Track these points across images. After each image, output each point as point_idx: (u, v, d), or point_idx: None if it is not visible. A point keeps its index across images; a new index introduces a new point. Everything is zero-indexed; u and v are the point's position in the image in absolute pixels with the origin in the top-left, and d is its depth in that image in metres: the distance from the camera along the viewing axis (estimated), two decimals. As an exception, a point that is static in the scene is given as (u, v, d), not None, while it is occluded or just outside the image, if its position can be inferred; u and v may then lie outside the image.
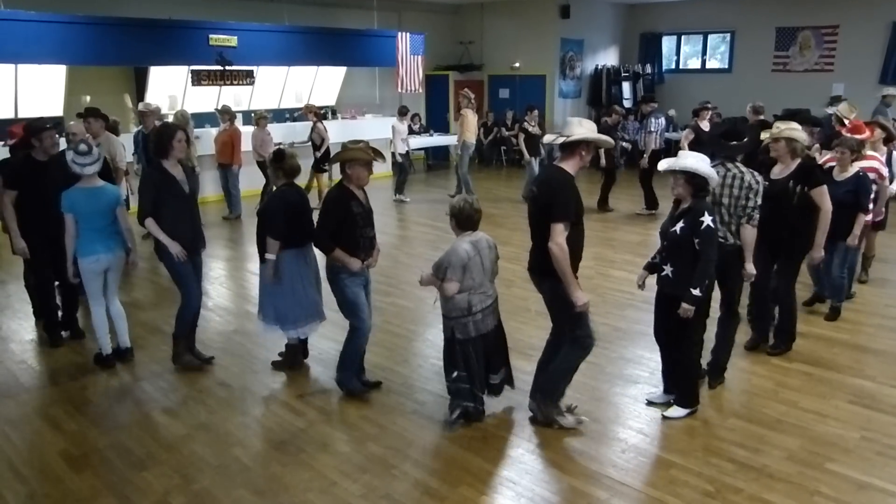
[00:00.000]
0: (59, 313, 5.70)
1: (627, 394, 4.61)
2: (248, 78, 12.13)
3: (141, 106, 8.88)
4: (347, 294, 4.40)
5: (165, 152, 4.74)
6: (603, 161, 10.37)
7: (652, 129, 10.31)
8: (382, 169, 11.43)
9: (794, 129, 4.93)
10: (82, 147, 4.81)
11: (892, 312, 6.18)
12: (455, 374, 4.13)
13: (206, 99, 11.99)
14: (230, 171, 9.98)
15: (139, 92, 11.51)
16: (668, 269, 4.18)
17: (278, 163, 4.82)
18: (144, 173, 4.95)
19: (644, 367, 5.01)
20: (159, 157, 4.78)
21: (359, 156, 4.28)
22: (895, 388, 4.70)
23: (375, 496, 3.56)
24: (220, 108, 10.51)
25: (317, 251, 4.61)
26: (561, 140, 3.87)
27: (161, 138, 4.77)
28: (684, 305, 4.02)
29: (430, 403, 4.52)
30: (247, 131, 10.62)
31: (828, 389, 4.70)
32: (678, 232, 4.06)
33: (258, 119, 10.48)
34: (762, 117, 9.23)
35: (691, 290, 3.99)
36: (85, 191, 4.83)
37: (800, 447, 3.97)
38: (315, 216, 4.63)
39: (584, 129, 3.89)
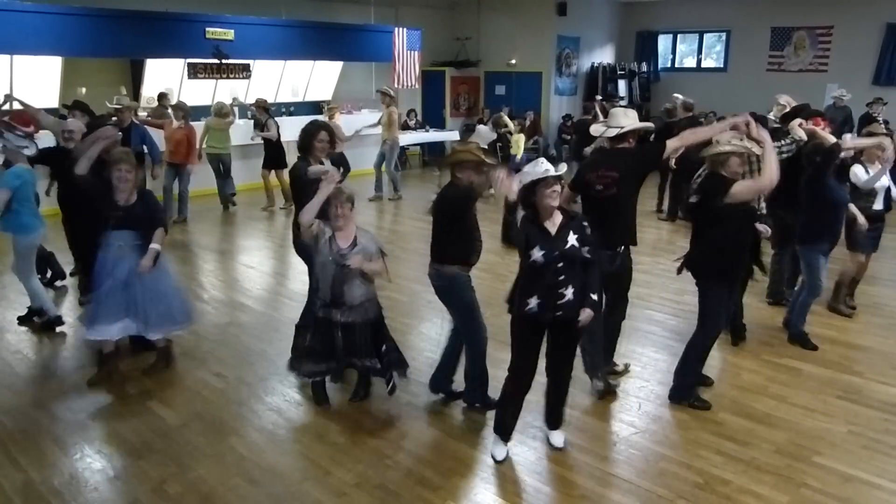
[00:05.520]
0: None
1: (619, 388, 4.65)
2: (244, 72, 12.11)
3: (115, 101, 8.27)
4: (466, 300, 4.17)
5: (309, 149, 4.74)
6: None
7: None
8: (367, 165, 11.47)
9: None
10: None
11: (881, 310, 6.25)
12: (385, 347, 4.35)
13: (202, 92, 11.96)
14: (183, 170, 9.29)
15: (135, 84, 11.48)
16: (569, 293, 3.54)
17: None
18: (300, 172, 4.74)
19: (636, 362, 5.06)
20: (303, 153, 4.78)
21: (469, 157, 4.07)
22: (882, 383, 4.77)
23: (370, 486, 3.60)
24: (175, 103, 10.01)
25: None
26: (614, 132, 4.25)
27: (306, 136, 4.77)
28: (587, 311, 3.57)
29: (423, 395, 4.55)
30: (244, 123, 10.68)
31: (816, 385, 4.76)
32: (576, 245, 3.54)
33: (330, 110, 10.89)
34: (692, 114, 9.61)
35: (592, 295, 3.62)
36: (31, 172, 5.42)
37: (788, 441, 4.03)
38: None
39: (629, 119, 4.31)
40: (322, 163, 4.84)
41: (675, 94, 10.16)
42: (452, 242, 4.08)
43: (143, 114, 9.66)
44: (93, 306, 4.63)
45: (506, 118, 12.26)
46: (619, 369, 4.84)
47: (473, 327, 4.24)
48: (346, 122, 10.92)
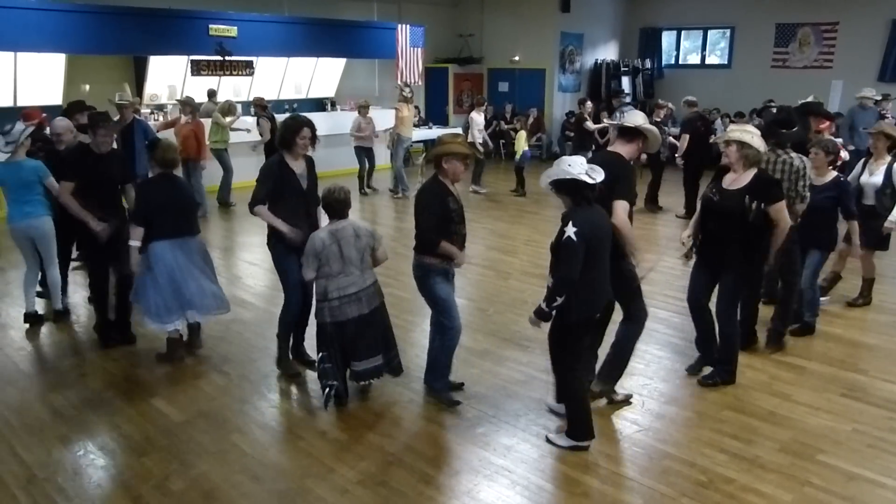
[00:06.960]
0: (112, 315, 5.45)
1: (623, 385, 4.63)
2: (247, 68, 12.13)
3: (116, 97, 8.16)
4: (439, 292, 4.23)
5: (289, 145, 4.58)
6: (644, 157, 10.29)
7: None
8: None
9: (747, 132, 4.37)
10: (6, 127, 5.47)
11: (886, 307, 6.23)
12: (321, 354, 4.32)
13: (205, 89, 11.96)
14: (194, 166, 9.37)
15: (139, 81, 11.49)
16: (548, 281, 3.71)
17: (151, 152, 5.02)
18: (266, 162, 4.79)
19: (640, 359, 5.05)
20: (282, 149, 4.62)
21: (457, 149, 4.12)
22: (887, 381, 4.76)
23: (372, 483, 3.60)
24: (181, 98, 10.09)
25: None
26: (628, 124, 4.13)
27: (286, 131, 4.61)
28: (530, 317, 3.72)
29: (426, 393, 4.55)
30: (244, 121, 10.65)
31: (821, 383, 4.75)
32: (555, 240, 3.65)
33: (360, 107, 11.30)
34: (696, 110, 9.61)
35: (540, 302, 3.64)
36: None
37: (792, 439, 4.02)
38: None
39: (648, 126, 4.17)
40: (306, 157, 4.70)
41: (687, 97, 10.04)
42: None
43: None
44: (168, 297, 4.77)
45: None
46: (617, 398, 4.45)
47: (445, 322, 4.30)
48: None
